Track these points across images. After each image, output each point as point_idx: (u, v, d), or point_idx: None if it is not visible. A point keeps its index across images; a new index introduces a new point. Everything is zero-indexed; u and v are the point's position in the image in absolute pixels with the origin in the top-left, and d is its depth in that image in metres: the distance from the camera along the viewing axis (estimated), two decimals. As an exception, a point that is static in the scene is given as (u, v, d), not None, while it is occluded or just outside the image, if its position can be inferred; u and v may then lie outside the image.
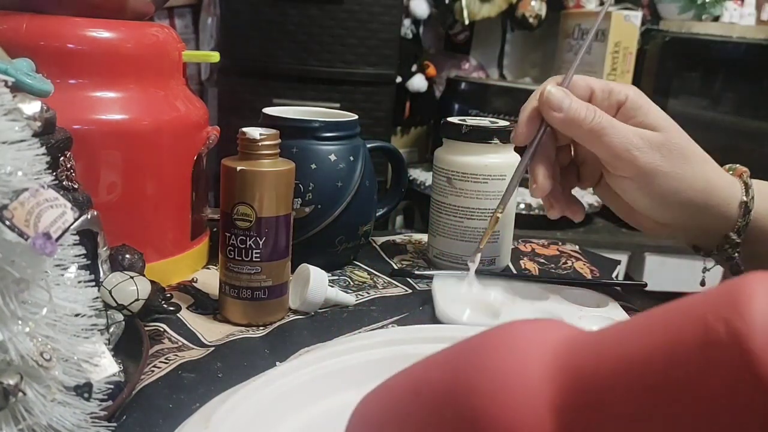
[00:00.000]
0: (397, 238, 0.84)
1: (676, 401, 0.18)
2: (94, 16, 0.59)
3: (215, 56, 0.67)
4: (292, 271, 0.61)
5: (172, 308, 0.57)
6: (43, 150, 0.33)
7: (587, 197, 1.49)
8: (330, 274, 0.65)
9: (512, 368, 0.22)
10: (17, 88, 0.42)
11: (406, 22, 1.60)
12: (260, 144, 0.55)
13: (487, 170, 0.69)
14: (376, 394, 0.29)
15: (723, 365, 0.17)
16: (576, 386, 0.20)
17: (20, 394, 0.31)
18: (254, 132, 0.56)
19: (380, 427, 0.27)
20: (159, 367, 0.49)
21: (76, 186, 0.50)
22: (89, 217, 0.50)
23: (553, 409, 0.20)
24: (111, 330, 0.48)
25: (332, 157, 0.68)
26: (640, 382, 0.18)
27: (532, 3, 1.61)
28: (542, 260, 0.79)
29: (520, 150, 0.62)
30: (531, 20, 1.62)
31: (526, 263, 0.78)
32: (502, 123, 0.72)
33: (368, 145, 0.73)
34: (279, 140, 0.57)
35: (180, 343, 0.54)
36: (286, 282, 0.59)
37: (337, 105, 1.36)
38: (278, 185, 0.56)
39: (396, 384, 0.28)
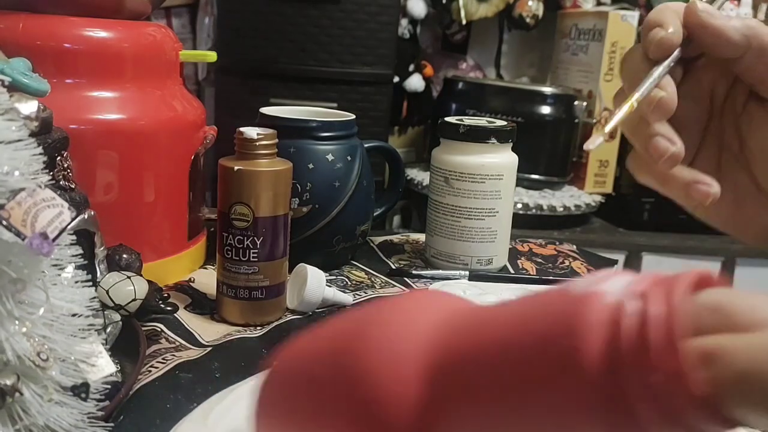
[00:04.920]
0: (395, 238, 0.84)
1: (525, 395, 0.20)
2: (91, 15, 0.59)
3: (212, 56, 0.67)
4: (290, 271, 0.61)
5: (169, 308, 0.57)
6: (39, 150, 0.32)
7: (584, 197, 1.49)
8: (327, 274, 0.65)
9: (396, 334, 0.24)
10: (14, 88, 0.42)
11: (404, 21, 1.60)
12: (257, 144, 0.55)
13: (485, 170, 0.69)
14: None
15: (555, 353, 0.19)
16: (444, 364, 0.22)
17: (17, 394, 0.31)
18: (251, 132, 0.56)
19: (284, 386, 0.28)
20: (156, 367, 0.49)
21: (73, 186, 0.50)
22: (86, 216, 0.50)
23: (421, 379, 0.22)
24: (108, 330, 0.48)
25: (330, 157, 0.68)
26: (492, 371, 0.21)
27: (529, 3, 1.61)
28: (540, 260, 0.79)
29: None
30: (528, 20, 1.62)
31: (524, 263, 0.78)
32: (500, 123, 0.73)
33: (365, 145, 0.73)
34: (276, 140, 0.57)
35: (177, 343, 0.53)
36: (283, 282, 0.59)
37: (335, 105, 1.35)
38: (276, 185, 0.56)
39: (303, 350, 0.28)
